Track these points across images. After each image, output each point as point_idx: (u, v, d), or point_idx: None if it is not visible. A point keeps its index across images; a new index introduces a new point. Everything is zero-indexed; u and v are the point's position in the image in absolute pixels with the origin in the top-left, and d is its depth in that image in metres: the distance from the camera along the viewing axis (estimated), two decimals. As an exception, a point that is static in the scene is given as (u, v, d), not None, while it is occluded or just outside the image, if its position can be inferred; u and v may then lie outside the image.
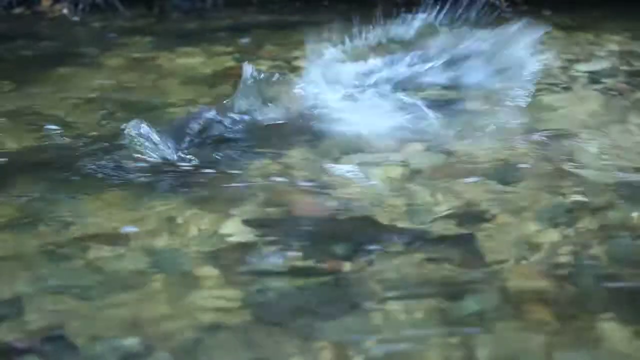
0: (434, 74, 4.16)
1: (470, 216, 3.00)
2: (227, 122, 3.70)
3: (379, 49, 4.46)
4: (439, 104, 4.00)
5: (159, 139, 3.47)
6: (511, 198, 3.13)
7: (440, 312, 2.47)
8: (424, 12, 5.68)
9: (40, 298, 2.56)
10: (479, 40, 4.29)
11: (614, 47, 5.01)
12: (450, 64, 4.18)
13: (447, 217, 3.00)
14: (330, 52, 4.24)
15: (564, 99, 4.18)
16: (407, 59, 4.21)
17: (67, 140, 3.75)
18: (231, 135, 3.66)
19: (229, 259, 2.76)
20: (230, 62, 4.93)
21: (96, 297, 2.56)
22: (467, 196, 3.14)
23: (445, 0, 6.11)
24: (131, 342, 2.36)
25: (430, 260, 2.72)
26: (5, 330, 2.42)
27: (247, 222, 2.97)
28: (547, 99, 4.15)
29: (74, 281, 2.64)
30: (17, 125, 3.96)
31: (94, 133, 3.84)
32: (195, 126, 3.60)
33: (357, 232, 2.92)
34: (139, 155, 3.44)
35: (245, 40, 5.44)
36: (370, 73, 4.13)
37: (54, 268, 2.72)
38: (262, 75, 3.89)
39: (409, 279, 2.62)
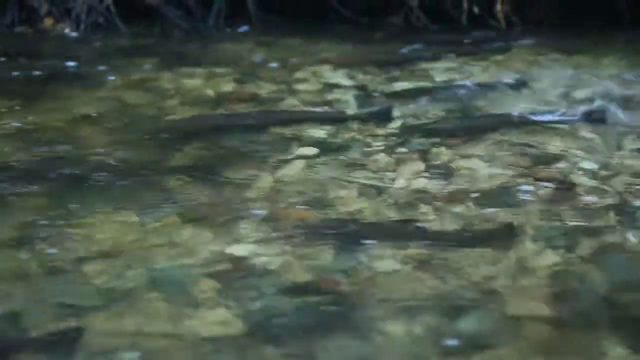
0: None
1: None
2: None
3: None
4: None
5: None
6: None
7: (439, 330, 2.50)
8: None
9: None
10: None
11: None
12: None
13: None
14: None
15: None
16: None
17: (67, 155, 3.77)
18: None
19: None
20: (230, 84, 4.94)
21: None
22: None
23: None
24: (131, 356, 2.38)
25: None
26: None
27: None
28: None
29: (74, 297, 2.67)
30: (20, 141, 3.98)
31: (94, 149, 3.85)
32: None
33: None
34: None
35: (246, 61, 5.47)
36: None
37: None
38: None
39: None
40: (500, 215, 3.19)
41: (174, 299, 2.65)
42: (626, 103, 4.43)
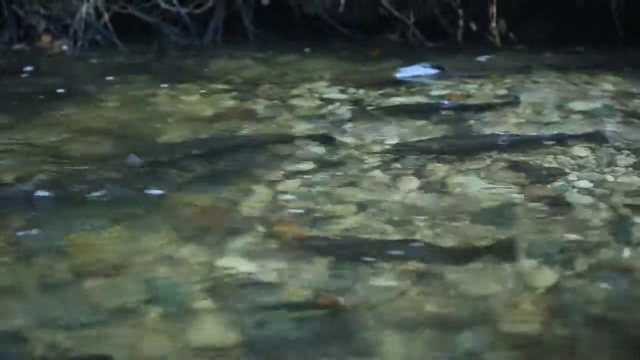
0: None
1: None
2: None
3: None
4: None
5: None
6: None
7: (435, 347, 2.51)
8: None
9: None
10: None
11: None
12: None
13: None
14: None
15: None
16: None
17: (65, 173, 3.78)
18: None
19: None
20: (227, 101, 4.96)
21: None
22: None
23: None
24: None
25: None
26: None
27: None
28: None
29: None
30: (16, 159, 4.00)
31: (92, 167, 3.86)
32: None
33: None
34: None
35: (242, 78, 5.48)
36: None
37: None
38: None
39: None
40: (496, 232, 3.20)
41: (171, 314, 2.66)
42: (622, 118, 4.45)
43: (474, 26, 6.13)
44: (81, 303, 2.74)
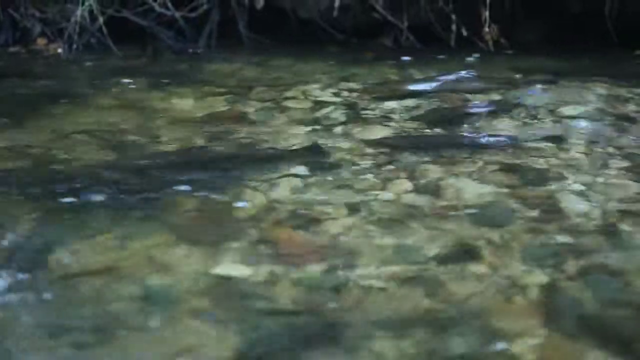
0: None
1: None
2: None
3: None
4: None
5: None
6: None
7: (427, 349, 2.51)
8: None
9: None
10: None
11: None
12: None
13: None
14: None
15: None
16: None
17: (57, 176, 3.78)
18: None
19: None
20: (221, 104, 4.97)
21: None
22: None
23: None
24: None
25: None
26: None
27: None
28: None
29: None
30: (10, 161, 4.00)
31: (84, 170, 3.87)
32: None
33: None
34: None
35: (236, 81, 5.50)
36: None
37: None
38: None
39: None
40: (488, 233, 3.21)
41: (165, 317, 2.66)
42: (614, 123, 4.47)
43: (464, 31, 6.16)
44: (72, 305, 2.74)
